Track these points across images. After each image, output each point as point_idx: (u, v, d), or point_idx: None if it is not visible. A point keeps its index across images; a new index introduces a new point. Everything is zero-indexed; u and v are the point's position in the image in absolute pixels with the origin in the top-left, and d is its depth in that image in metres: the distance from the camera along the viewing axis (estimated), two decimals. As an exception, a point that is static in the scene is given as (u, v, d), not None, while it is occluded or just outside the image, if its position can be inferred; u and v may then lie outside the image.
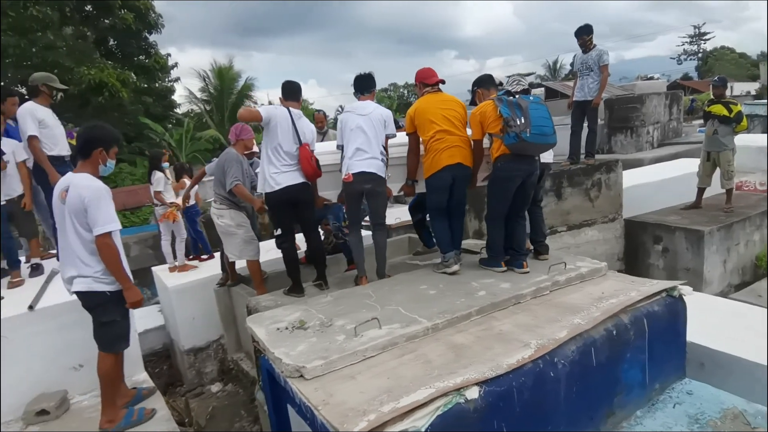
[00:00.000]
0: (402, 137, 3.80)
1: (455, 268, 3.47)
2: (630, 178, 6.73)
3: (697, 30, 48.98)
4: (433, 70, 3.77)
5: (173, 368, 5.58)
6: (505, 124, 3.20)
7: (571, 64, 6.28)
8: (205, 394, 4.88)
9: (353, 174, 3.47)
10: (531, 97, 3.37)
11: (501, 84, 4.06)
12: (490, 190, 3.49)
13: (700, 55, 47.96)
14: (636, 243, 6.13)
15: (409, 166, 3.79)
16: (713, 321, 3.25)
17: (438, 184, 3.55)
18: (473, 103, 3.78)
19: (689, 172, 6.67)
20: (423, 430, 1.81)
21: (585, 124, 5.85)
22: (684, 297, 2.83)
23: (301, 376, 2.21)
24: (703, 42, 48.65)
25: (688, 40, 49.22)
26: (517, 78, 4.02)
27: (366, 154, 3.50)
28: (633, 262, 6.08)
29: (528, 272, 3.30)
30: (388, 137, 3.69)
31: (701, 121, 11.02)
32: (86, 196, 2.74)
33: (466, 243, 4.45)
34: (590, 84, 5.65)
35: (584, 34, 5.64)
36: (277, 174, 3.55)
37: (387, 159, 3.66)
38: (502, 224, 3.48)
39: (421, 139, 3.63)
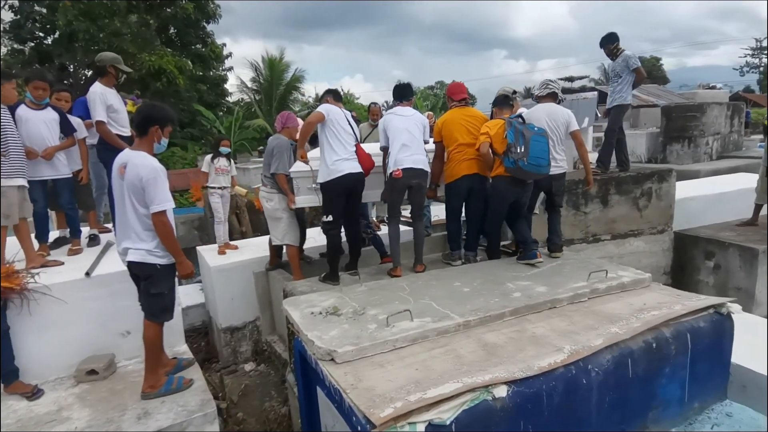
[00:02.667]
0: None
1: (458, 263, 3.99)
2: (684, 189, 6.44)
3: (758, 43, 45.99)
4: (463, 86, 4.19)
5: (210, 345, 5.81)
6: (507, 148, 3.53)
7: None
8: (239, 372, 5.05)
9: (402, 170, 3.66)
10: (536, 128, 3.59)
11: (515, 92, 4.39)
12: (488, 201, 3.86)
13: (761, 68, 44.90)
14: (685, 257, 5.85)
15: (433, 171, 4.07)
16: (759, 343, 3.08)
17: (456, 191, 3.99)
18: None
19: (748, 187, 6.29)
20: (448, 422, 1.82)
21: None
22: (732, 316, 2.69)
23: (332, 359, 2.27)
24: (764, 56, 45.52)
25: (750, 52, 46.19)
26: (547, 82, 4.17)
27: (411, 150, 3.75)
28: (680, 278, 5.80)
29: (542, 261, 3.57)
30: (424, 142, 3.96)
31: (761, 136, 10.37)
32: (144, 175, 2.89)
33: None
34: (617, 90, 5.58)
35: (608, 43, 5.61)
36: (339, 161, 3.71)
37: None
38: (502, 221, 3.91)
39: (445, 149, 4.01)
